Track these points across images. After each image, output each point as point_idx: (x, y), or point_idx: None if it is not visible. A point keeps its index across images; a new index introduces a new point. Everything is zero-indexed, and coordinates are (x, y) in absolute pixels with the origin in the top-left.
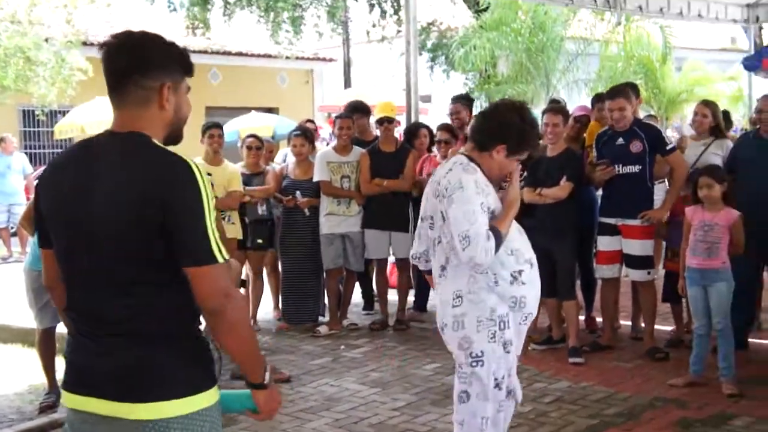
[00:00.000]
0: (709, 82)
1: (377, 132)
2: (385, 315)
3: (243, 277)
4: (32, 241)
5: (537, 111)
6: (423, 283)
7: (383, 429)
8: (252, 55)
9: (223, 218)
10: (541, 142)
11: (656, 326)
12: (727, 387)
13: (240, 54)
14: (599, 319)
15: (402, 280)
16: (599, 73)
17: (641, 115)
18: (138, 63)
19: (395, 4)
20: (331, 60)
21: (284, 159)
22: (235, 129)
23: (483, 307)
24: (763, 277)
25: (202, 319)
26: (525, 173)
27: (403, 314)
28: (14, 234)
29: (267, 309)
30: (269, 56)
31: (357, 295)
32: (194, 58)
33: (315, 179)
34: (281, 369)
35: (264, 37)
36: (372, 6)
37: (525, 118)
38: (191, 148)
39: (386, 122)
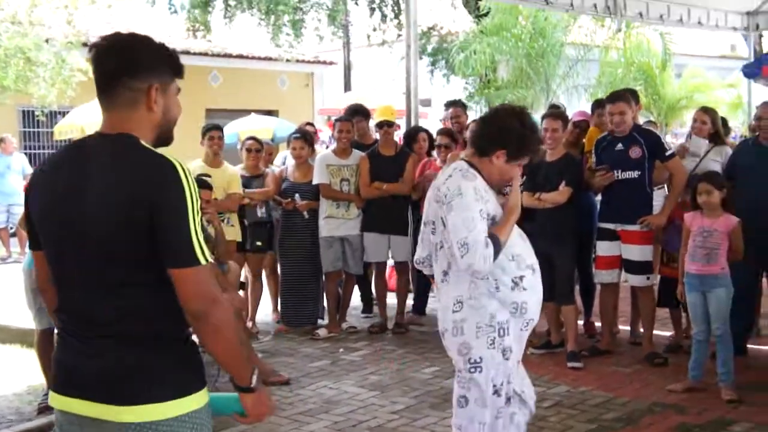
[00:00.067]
0: (709, 89)
1: (377, 135)
2: (384, 318)
3: (242, 279)
4: None
5: (537, 116)
6: (422, 287)
7: None
8: (252, 58)
9: (222, 220)
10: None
11: (655, 331)
12: (726, 393)
13: (240, 56)
14: (598, 324)
15: (401, 284)
16: (599, 79)
17: (641, 121)
18: (126, 65)
19: (396, 8)
20: (331, 63)
21: (284, 162)
22: (234, 131)
23: (483, 313)
24: (762, 283)
25: None
26: (524, 178)
27: (402, 317)
28: (13, 234)
29: (266, 311)
30: (270, 59)
31: (356, 298)
32: (195, 60)
33: (314, 182)
34: (280, 371)
35: (264, 40)
36: (372, 10)
37: (525, 123)
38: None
39: (386, 126)
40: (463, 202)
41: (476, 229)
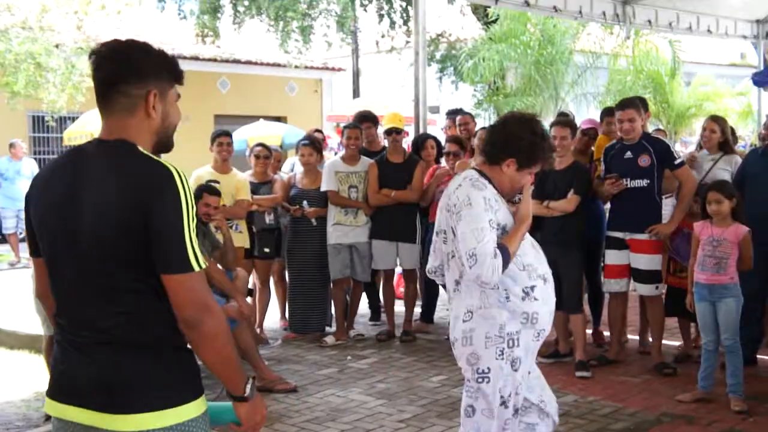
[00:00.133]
0: (718, 98)
1: (385, 142)
2: (391, 326)
3: (250, 286)
4: None
5: (545, 124)
6: (430, 295)
7: None
8: (261, 64)
9: (231, 227)
10: None
11: (664, 341)
12: (735, 403)
13: (249, 63)
14: (607, 334)
15: (409, 291)
16: (608, 86)
17: (650, 129)
18: (123, 71)
19: (404, 14)
20: (340, 70)
21: (292, 168)
22: (243, 137)
23: (492, 323)
24: None
25: None
26: (532, 186)
27: (410, 325)
28: (23, 240)
29: (273, 318)
30: (278, 65)
31: (364, 306)
32: (204, 66)
33: (323, 189)
34: (287, 379)
35: (273, 46)
36: (381, 17)
37: (536, 131)
38: (200, 156)
39: (394, 133)
40: (472, 212)
41: (484, 239)
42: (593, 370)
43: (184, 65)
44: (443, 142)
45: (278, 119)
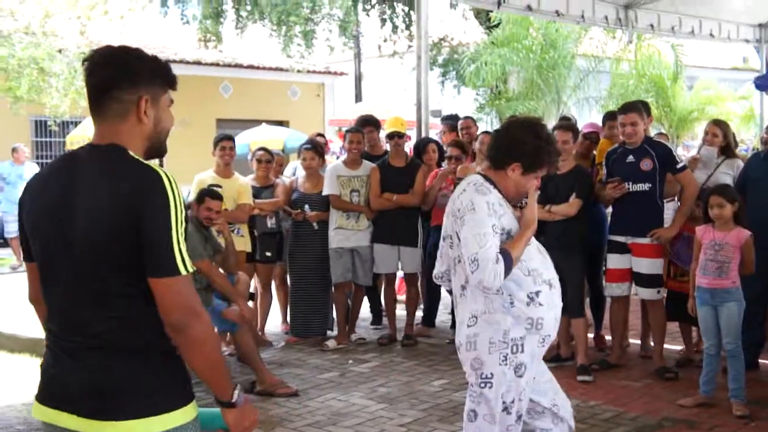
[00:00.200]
0: (721, 101)
1: (387, 146)
2: (393, 330)
3: (251, 290)
4: None
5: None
6: (432, 299)
7: None
8: (263, 68)
9: (233, 231)
10: None
11: (665, 345)
12: (737, 408)
13: (251, 67)
14: (608, 338)
15: (410, 295)
16: (610, 90)
17: (652, 133)
18: (115, 77)
19: (407, 19)
20: (342, 74)
21: (294, 172)
22: (245, 142)
23: (496, 328)
24: None
25: None
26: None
27: (412, 329)
28: None
29: (275, 322)
30: (281, 69)
31: (365, 310)
32: (206, 71)
33: (324, 193)
34: (288, 383)
35: (276, 51)
36: (384, 21)
37: (540, 134)
38: (203, 160)
39: (396, 137)
40: (475, 217)
41: (486, 244)
42: (595, 374)
43: (186, 70)
44: (446, 146)
45: (280, 123)
